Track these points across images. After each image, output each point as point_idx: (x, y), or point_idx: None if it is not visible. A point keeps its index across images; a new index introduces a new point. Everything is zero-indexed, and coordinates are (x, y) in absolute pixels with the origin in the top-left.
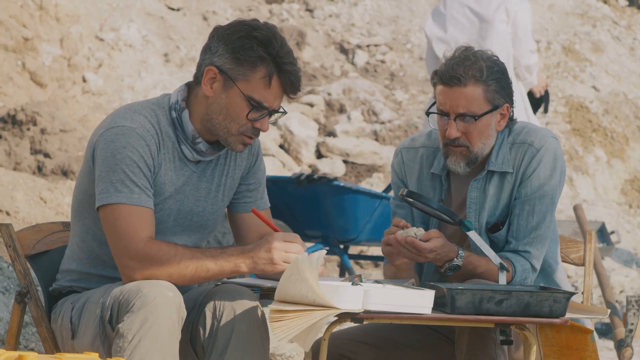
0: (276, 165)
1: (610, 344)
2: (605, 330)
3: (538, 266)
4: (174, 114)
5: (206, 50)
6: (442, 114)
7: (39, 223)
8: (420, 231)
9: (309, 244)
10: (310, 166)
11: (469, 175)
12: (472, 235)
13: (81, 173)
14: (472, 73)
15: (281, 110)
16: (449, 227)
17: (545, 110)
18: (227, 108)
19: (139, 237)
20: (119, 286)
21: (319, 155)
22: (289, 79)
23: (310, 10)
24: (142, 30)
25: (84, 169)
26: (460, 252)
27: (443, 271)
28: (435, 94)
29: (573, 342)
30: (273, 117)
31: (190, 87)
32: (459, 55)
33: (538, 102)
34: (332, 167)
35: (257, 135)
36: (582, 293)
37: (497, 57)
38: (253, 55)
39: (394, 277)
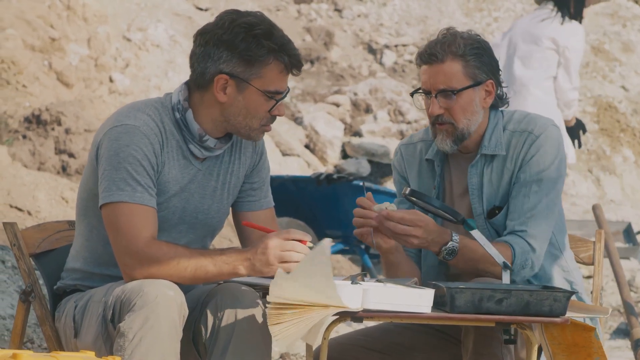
0: (301, 165)
1: (629, 343)
2: (627, 330)
3: (537, 246)
4: (177, 115)
5: (205, 58)
6: (424, 92)
7: (43, 222)
8: (392, 206)
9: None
10: (335, 166)
11: (467, 161)
12: (475, 234)
13: (86, 172)
14: (449, 49)
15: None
16: (453, 226)
17: (579, 145)
18: (246, 108)
19: (140, 236)
20: (121, 285)
21: (345, 155)
22: (296, 61)
23: (339, 10)
24: (170, 31)
25: (88, 168)
26: (453, 235)
27: (442, 258)
28: (419, 75)
29: (579, 340)
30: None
31: (190, 88)
32: (439, 35)
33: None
34: (357, 167)
35: (274, 121)
36: (592, 292)
37: (479, 35)
38: (261, 52)
39: (389, 269)
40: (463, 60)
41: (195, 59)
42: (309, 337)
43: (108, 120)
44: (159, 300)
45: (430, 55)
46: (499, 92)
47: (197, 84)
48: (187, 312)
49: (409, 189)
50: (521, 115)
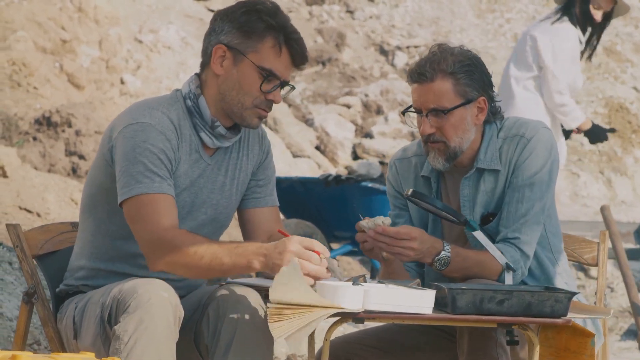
0: (312, 166)
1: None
2: (637, 332)
3: (529, 252)
4: (189, 103)
5: (210, 33)
6: (416, 111)
7: (47, 224)
8: (387, 220)
9: (338, 245)
10: (346, 167)
11: (462, 174)
12: (478, 235)
13: (95, 168)
14: (439, 67)
15: (291, 84)
16: (454, 228)
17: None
18: (239, 82)
19: (160, 223)
20: (118, 286)
21: (356, 157)
22: (298, 48)
23: (350, 12)
24: (181, 32)
25: (98, 164)
26: (445, 244)
27: (435, 268)
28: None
29: (572, 345)
30: (284, 90)
31: (200, 76)
32: (429, 52)
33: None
34: (368, 169)
35: (270, 108)
36: (596, 293)
37: (470, 50)
38: (261, 26)
39: (389, 277)
40: (453, 79)
41: (205, 38)
42: (295, 338)
43: (122, 117)
44: (153, 301)
45: (419, 74)
46: (492, 106)
47: (203, 63)
48: (182, 313)
49: (411, 190)
50: (511, 122)
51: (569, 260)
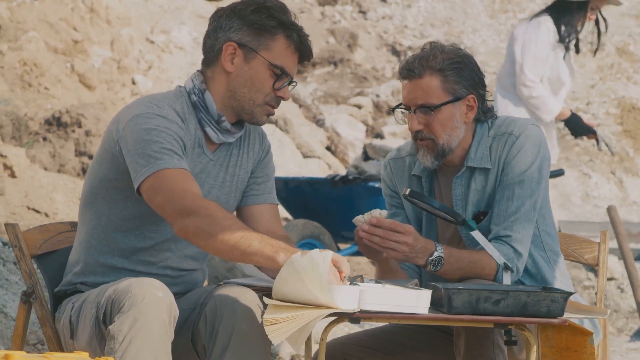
0: (322, 167)
1: None
2: None
3: (522, 250)
4: (194, 98)
5: (216, 30)
6: (405, 107)
7: (46, 223)
8: (383, 212)
9: (345, 245)
10: (356, 168)
11: (454, 173)
12: (476, 234)
13: (97, 163)
14: (427, 64)
15: (295, 81)
16: (448, 228)
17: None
18: (251, 79)
19: (190, 191)
20: (113, 285)
21: (366, 157)
22: (306, 45)
23: (363, 12)
24: (193, 33)
25: (102, 158)
26: (437, 245)
27: (429, 269)
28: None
29: (572, 344)
30: (290, 87)
31: (204, 73)
32: (421, 49)
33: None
34: (378, 169)
35: (279, 105)
36: (596, 293)
37: (461, 49)
38: (272, 23)
39: (385, 276)
40: (442, 76)
41: (207, 36)
42: (295, 339)
43: (127, 110)
44: (147, 301)
45: (408, 70)
46: (483, 105)
47: (208, 60)
48: (177, 312)
49: (408, 189)
50: (501, 120)
51: (569, 260)
